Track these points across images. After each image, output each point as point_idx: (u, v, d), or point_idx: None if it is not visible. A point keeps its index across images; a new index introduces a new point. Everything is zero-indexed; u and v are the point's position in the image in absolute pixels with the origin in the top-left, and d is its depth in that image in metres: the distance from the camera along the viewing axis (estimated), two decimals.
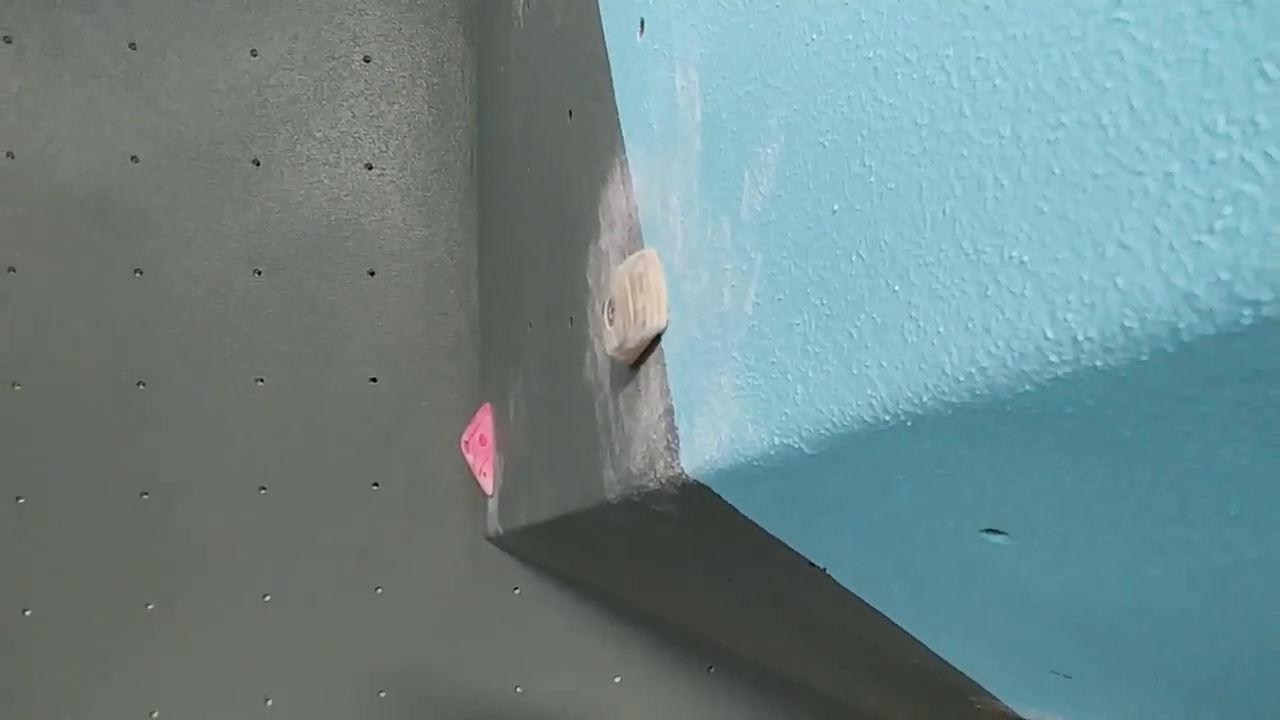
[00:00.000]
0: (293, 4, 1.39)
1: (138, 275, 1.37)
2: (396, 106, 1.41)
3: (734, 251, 0.38)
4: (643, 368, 0.50)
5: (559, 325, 0.72)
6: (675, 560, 0.71)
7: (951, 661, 0.68)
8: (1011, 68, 0.25)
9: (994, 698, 0.75)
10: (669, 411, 0.46)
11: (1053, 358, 0.23)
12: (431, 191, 1.41)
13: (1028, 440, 0.27)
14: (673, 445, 0.46)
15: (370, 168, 1.40)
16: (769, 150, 0.34)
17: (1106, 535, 0.31)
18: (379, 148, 1.40)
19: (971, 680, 0.72)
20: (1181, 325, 0.20)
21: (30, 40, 1.34)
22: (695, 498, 0.47)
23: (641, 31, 0.52)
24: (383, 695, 1.44)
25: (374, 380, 1.41)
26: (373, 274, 1.40)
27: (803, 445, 0.32)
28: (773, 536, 0.47)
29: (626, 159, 0.54)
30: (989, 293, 0.25)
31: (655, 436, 0.48)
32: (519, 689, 1.45)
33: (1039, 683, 0.63)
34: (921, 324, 0.28)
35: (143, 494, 1.39)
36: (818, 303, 0.33)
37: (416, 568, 1.42)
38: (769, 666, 1.35)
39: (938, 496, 0.33)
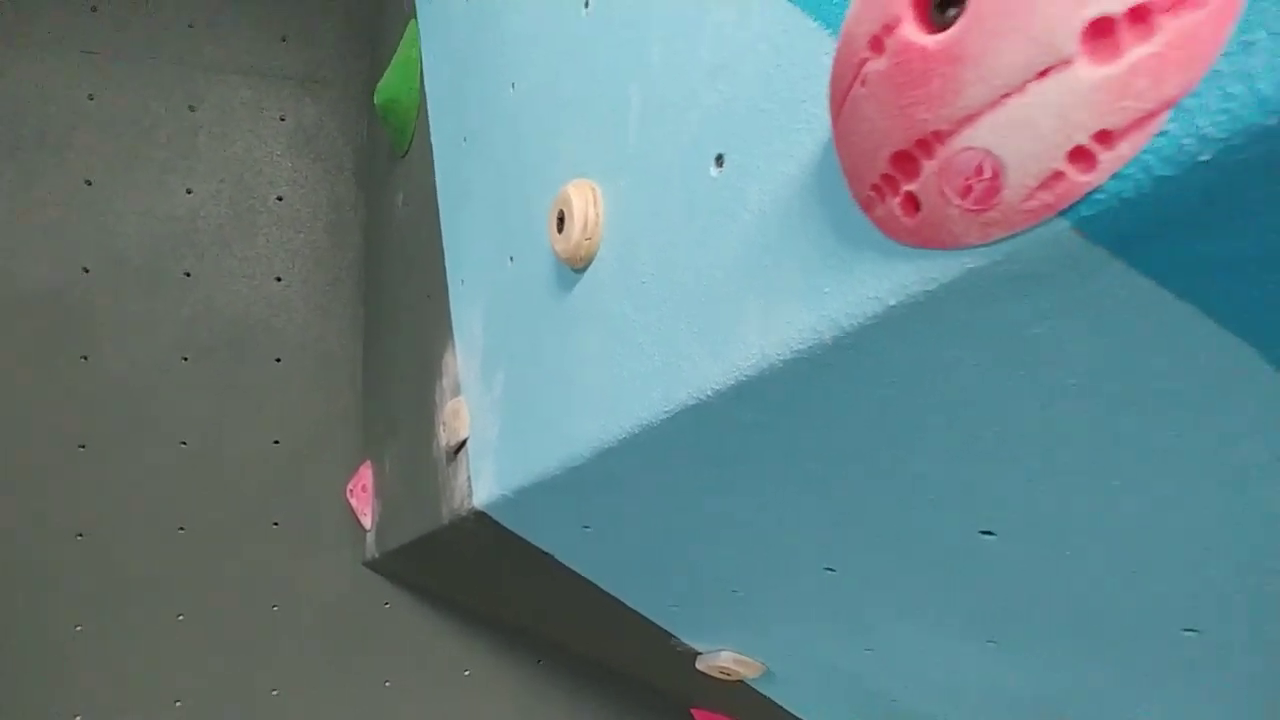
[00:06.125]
0: (221, 154, 1.82)
1: (84, 360, 1.74)
2: (302, 235, 1.85)
3: (491, 411, 0.89)
4: (459, 454, 1.01)
5: (419, 421, 1.22)
6: (488, 560, 1.21)
7: (645, 614, 1.20)
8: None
9: (681, 639, 1.28)
10: (469, 477, 0.97)
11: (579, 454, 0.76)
12: (328, 300, 1.86)
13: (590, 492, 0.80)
14: (470, 493, 0.97)
15: (280, 280, 1.83)
16: (499, 376, 0.86)
17: (634, 534, 0.84)
18: (287, 265, 1.84)
19: (662, 628, 1.24)
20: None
21: (1, 177, 1.71)
22: (483, 518, 0.97)
23: (463, 284, 1.04)
24: (275, 693, 1.82)
25: (277, 442, 1.82)
26: (279, 361, 1.83)
27: (508, 494, 0.83)
28: (521, 536, 0.99)
29: (455, 344, 1.05)
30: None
31: (464, 489, 0.99)
32: (388, 683, 1.87)
33: (684, 618, 1.16)
34: (551, 451, 0.80)
35: (78, 535, 1.73)
36: (516, 440, 0.84)
37: (307, 589, 1.82)
38: (571, 650, 1.85)
39: (561, 510, 0.85)
